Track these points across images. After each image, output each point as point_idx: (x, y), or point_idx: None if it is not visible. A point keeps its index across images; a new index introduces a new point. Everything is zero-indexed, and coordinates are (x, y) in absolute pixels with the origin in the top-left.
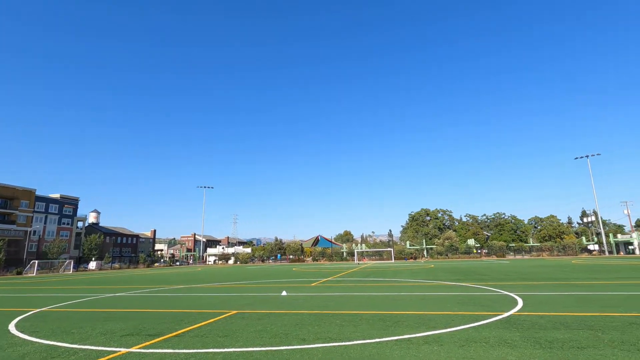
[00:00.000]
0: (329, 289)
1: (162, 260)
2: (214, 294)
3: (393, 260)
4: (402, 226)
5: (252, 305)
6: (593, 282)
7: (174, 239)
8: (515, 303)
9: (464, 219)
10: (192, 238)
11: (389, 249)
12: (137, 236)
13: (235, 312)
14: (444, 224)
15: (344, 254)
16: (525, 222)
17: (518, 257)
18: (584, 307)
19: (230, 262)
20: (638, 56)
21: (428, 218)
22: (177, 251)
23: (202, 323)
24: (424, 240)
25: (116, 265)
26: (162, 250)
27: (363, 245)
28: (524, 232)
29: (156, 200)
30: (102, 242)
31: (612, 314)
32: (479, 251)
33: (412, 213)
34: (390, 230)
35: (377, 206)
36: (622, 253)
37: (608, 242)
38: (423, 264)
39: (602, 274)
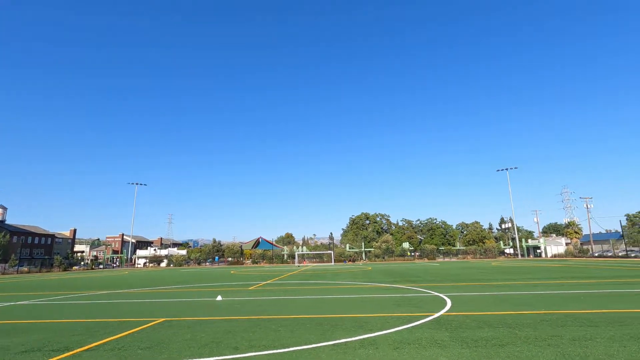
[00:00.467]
0: (268, 293)
1: (82, 263)
2: (139, 300)
3: (333, 263)
4: (342, 229)
5: (182, 312)
6: (508, 282)
7: (98, 239)
8: (445, 304)
9: (400, 224)
10: (120, 239)
11: (329, 251)
12: (52, 236)
13: (162, 320)
14: (382, 228)
15: (285, 256)
16: (454, 227)
17: (447, 259)
18: (502, 306)
19: (163, 264)
20: (552, 75)
21: (367, 222)
22: (102, 253)
23: (122, 334)
24: (363, 243)
25: (24, 268)
26: (83, 252)
27: (304, 247)
28: (452, 237)
29: (79, 196)
30: (7, 242)
31: (525, 312)
32: (413, 254)
33: (353, 217)
34: (331, 233)
35: (319, 209)
36: (531, 256)
37: (521, 247)
38: (361, 266)
39: (515, 275)
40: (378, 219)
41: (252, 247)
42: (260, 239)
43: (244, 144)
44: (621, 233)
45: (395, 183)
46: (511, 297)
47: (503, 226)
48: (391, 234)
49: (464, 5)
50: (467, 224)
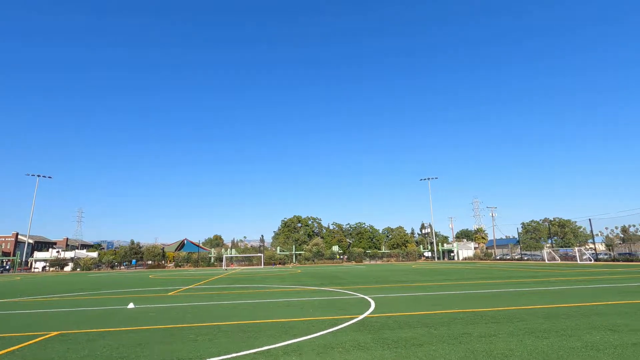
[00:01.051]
0: (189, 298)
1: None
2: (28, 311)
3: (262, 266)
4: (274, 232)
5: (83, 323)
6: (427, 283)
7: None
8: (369, 306)
9: (331, 227)
10: (14, 238)
11: (259, 254)
12: None
13: (55, 333)
14: (313, 231)
15: (212, 259)
16: (380, 231)
17: (373, 262)
18: (420, 306)
19: (68, 269)
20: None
21: (299, 225)
22: None
23: (0, 352)
24: (294, 246)
25: None
26: None
27: (233, 250)
28: (378, 240)
29: None
30: None
31: (441, 312)
32: (342, 257)
33: (285, 219)
34: (262, 236)
35: (252, 211)
36: (446, 259)
37: (437, 250)
38: (291, 269)
39: (432, 276)
40: (310, 222)
41: (175, 250)
42: (185, 241)
43: (174, 143)
44: (517, 239)
45: (329, 187)
46: (428, 297)
47: (423, 231)
48: (322, 237)
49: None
50: (392, 229)
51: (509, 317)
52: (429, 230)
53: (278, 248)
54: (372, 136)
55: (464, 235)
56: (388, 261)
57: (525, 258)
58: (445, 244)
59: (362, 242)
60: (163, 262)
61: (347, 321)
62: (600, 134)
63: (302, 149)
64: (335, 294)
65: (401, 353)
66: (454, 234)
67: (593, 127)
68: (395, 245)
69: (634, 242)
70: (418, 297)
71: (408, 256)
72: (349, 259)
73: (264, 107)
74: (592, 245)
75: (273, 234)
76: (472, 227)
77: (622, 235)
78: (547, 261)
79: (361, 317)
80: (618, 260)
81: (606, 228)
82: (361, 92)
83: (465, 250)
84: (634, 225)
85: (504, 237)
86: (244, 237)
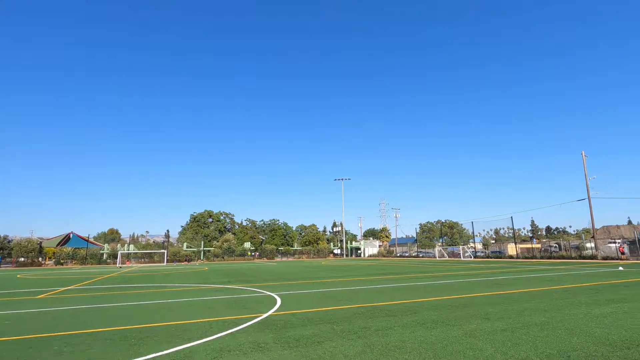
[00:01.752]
0: (66, 302)
1: None
2: None
3: (165, 263)
4: (182, 227)
5: None
6: (334, 279)
7: None
8: (275, 303)
9: (245, 223)
10: None
11: (162, 250)
12: None
13: None
14: (225, 227)
15: (105, 255)
16: (294, 228)
17: (285, 259)
18: (326, 302)
19: None
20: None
21: (210, 220)
22: None
23: None
24: (202, 242)
25: None
26: None
27: (132, 246)
28: (291, 238)
29: None
30: None
31: (344, 307)
32: (253, 254)
33: (195, 214)
34: (167, 231)
35: (157, 204)
36: (353, 256)
37: (346, 248)
38: (198, 266)
39: (340, 272)
40: (222, 217)
41: (57, 245)
42: (71, 235)
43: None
44: (415, 238)
45: (246, 184)
46: (335, 292)
47: (335, 229)
48: (234, 234)
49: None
50: (305, 226)
51: (404, 310)
52: (340, 228)
53: (185, 244)
54: (292, 135)
55: (371, 234)
56: (300, 258)
57: (421, 255)
58: (353, 242)
59: (275, 239)
60: (40, 259)
61: (250, 320)
62: (488, 147)
63: (221, 144)
64: (241, 292)
65: (301, 352)
66: (362, 233)
67: (483, 139)
68: (307, 243)
69: (503, 241)
70: (325, 293)
71: (319, 253)
72: (260, 256)
73: (188, 97)
74: (473, 244)
75: (181, 229)
76: (378, 226)
77: (495, 236)
78: (437, 258)
79: (265, 315)
80: (491, 257)
81: (483, 230)
82: (283, 90)
83: (371, 248)
84: (503, 228)
85: (405, 236)
86: (146, 231)
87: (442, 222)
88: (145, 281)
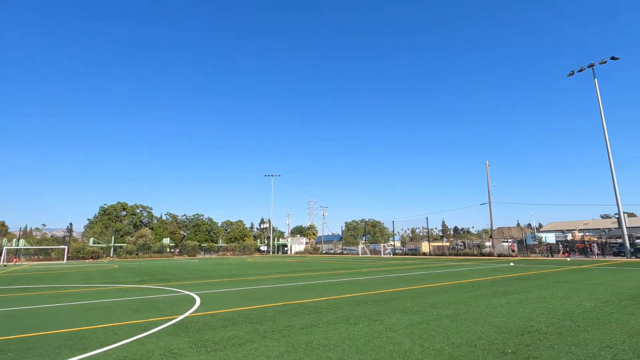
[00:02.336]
0: None
1: None
2: None
3: (65, 261)
4: (89, 220)
5: None
6: (260, 277)
7: None
8: (193, 303)
9: (165, 218)
10: None
11: (62, 246)
12: None
13: None
14: (141, 221)
15: None
16: (220, 224)
17: (208, 256)
18: (250, 301)
19: None
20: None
21: (124, 213)
22: None
23: None
24: (113, 237)
25: None
26: None
27: (22, 241)
28: (216, 234)
29: None
30: None
31: (268, 305)
32: (173, 250)
33: (105, 206)
34: (70, 224)
35: (58, 194)
36: (280, 253)
37: (273, 245)
38: (106, 264)
39: (266, 270)
40: (138, 210)
41: None
42: None
43: None
44: (341, 236)
45: (166, 177)
46: (259, 291)
47: (262, 226)
48: (151, 228)
49: None
50: (232, 222)
51: (329, 307)
52: (267, 225)
53: (91, 239)
54: (223, 131)
55: (298, 231)
56: (224, 255)
57: (345, 252)
58: (281, 239)
59: (198, 234)
60: None
61: (163, 324)
62: (410, 151)
63: (142, 138)
64: (156, 292)
65: (220, 356)
66: (290, 230)
67: (405, 144)
68: (233, 239)
69: (418, 240)
70: (248, 291)
71: (245, 250)
72: (181, 253)
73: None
74: (392, 243)
75: (87, 223)
76: (306, 223)
77: (411, 235)
78: (360, 255)
79: (181, 317)
80: (408, 254)
81: (402, 229)
82: (211, 84)
83: (298, 245)
84: (418, 228)
85: (331, 234)
86: (43, 224)
87: (366, 221)
88: (34, 282)
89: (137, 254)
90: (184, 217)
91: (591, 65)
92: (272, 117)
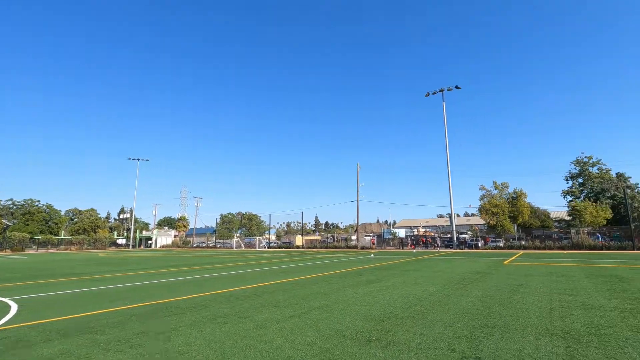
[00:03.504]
0: None
1: None
2: None
3: None
4: None
5: None
6: (109, 275)
7: None
8: (7, 312)
9: None
10: None
11: None
12: None
13: None
14: None
15: None
16: (63, 213)
17: (43, 250)
18: (92, 305)
19: None
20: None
21: None
22: None
23: None
24: None
25: None
26: None
27: None
28: (57, 224)
29: None
30: None
31: (118, 308)
32: None
33: None
34: None
35: None
36: (142, 247)
37: (134, 237)
38: None
39: (120, 266)
40: None
41: None
42: None
43: None
44: (215, 228)
45: None
46: (108, 291)
47: (122, 216)
48: None
49: None
50: (80, 211)
51: (194, 306)
52: (128, 215)
53: None
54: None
55: (167, 223)
56: (68, 249)
57: (219, 246)
58: (145, 231)
59: (30, 224)
60: None
61: None
62: (287, 144)
63: None
64: None
65: None
66: (156, 221)
67: (280, 137)
68: (82, 231)
69: (292, 234)
70: (93, 292)
71: (96, 244)
72: (3, 247)
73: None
74: (267, 236)
75: None
76: (177, 215)
77: (287, 229)
78: (234, 248)
79: None
80: (282, 247)
81: (278, 222)
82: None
83: (165, 238)
84: (294, 222)
85: (205, 227)
86: None
87: (242, 214)
88: None
89: None
90: (11, 203)
91: (441, 90)
92: (136, 95)
